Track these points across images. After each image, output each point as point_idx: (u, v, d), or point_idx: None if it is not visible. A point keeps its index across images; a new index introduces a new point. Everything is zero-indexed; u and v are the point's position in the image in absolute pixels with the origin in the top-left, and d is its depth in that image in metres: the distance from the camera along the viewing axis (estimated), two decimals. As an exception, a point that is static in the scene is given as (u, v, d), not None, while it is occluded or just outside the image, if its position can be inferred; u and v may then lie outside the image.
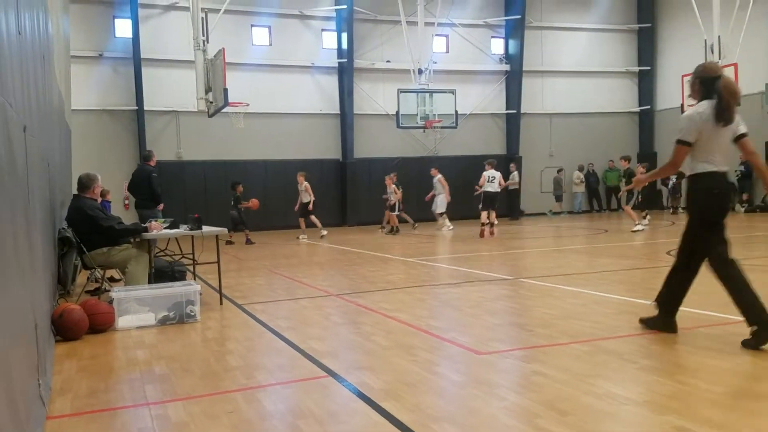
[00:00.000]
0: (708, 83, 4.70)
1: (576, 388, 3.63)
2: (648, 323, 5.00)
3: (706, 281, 7.34)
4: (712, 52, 17.40)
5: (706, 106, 4.64)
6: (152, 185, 10.76)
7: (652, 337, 4.77)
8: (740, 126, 4.74)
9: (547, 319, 5.60)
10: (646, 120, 25.19)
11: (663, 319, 4.89)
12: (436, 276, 8.77)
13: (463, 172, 20.93)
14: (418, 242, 14.66)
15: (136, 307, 5.84)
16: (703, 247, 4.75)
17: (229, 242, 15.19)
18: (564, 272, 8.67)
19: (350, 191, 21.44)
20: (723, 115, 4.59)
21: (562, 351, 4.50)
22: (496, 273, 8.78)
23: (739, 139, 4.73)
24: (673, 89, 22.28)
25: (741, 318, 5.00)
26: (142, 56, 19.01)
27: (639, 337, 4.83)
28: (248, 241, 15.30)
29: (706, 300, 6.09)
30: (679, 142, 4.66)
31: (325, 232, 16.33)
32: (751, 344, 4.29)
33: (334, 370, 4.18)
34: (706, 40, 17.55)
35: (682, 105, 18.57)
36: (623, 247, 11.95)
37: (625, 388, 3.63)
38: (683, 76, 18.62)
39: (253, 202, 15.55)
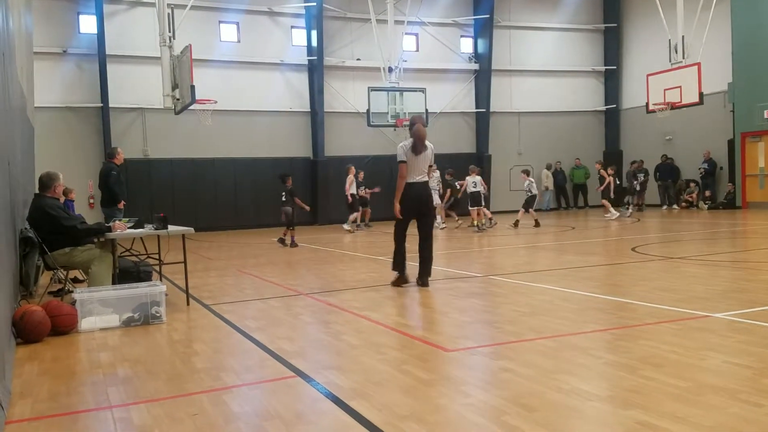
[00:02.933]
0: (410, 128, 7.49)
1: (542, 384, 3.66)
2: (395, 283, 7.50)
3: (664, 277, 7.50)
4: (676, 52, 17.72)
5: (409, 141, 7.35)
6: (109, 183, 10.46)
7: (617, 333, 4.85)
8: (431, 159, 7.48)
9: (515, 315, 5.65)
10: (612, 119, 25.60)
11: (401, 278, 7.52)
12: (406, 274, 8.76)
13: (433, 170, 20.99)
14: (390, 241, 14.67)
15: (99, 308, 5.72)
16: (401, 222, 7.46)
17: (282, 240, 13.71)
18: (532, 269, 8.76)
19: (321, 189, 21.37)
20: (415, 149, 7.28)
21: (529, 347, 4.54)
22: (466, 270, 8.83)
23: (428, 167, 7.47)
24: (638, 88, 22.65)
25: (702, 313, 5.17)
26: (108, 53, 18.67)
27: (604, 332, 4.90)
28: (293, 243, 13.51)
29: (668, 296, 6.22)
30: (399, 161, 7.29)
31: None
32: (393, 284, 7.50)
33: (302, 370, 4.15)
34: (670, 40, 17.87)
35: (647, 104, 18.92)
36: (589, 243, 12.12)
37: (591, 384, 3.68)
38: (648, 76, 19.01)
39: (306, 207, 14.16)
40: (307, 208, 14.23)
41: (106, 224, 6.90)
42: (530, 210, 17.07)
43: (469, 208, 16.52)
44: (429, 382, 3.87)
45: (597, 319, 5.44)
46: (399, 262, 7.56)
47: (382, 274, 8.97)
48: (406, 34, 21.61)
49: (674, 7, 17.61)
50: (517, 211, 17.20)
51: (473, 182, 16.52)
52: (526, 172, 17.55)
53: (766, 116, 19.51)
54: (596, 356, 4.25)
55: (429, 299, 6.74)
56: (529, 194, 16.90)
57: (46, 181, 6.88)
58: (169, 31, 13.76)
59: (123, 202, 10.60)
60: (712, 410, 3.13)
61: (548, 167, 24.47)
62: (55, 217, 6.56)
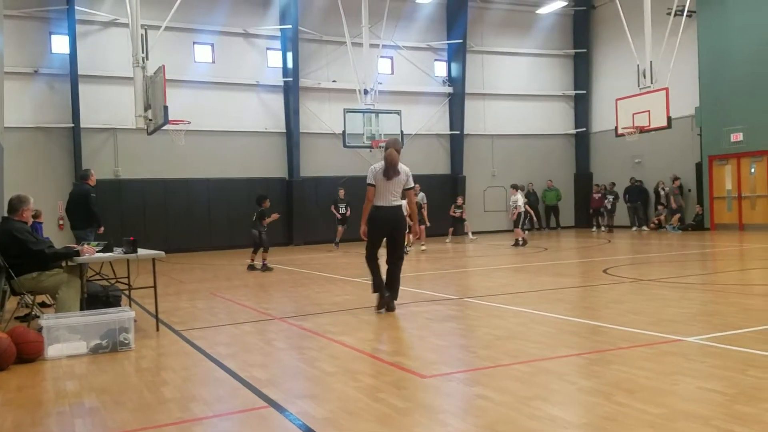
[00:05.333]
0: (385, 150, 7.33)
1: (517, 411, 3.65)
2: (379, 307, 7.34)
3: (636, 299, 7.57)
4: (645, 77, 18.11)
5: (381, 165, 7.27)
6: (90, 206, 10.31)
7: (590, 358, 4.86)
8: (409, 181, 7.37)
9: (490, 340, 5.64)
10: (582, 142, 26.02)
11: (382, 299, 7.33)
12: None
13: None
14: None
15: (66, 335, 5.58)
16: (371, 245, 7.39)
17: (251, 267, 13.12)
18: (506, 291, 8.79)
19: (297, 210, 21.27)
20: (386, 173, 7.20)
21: (504, 372, 4.53)
22: (441, 293, 8.81)
23: (406, 190, 7.40)
24: (607, 112, 23.09)
25: (674, 336, 5.23)
26: (80, 73, 18.47)
27: (578, 357, 4.92)
28: (265, 267, 13.02)
29: (639, 319, 6.27)
30: (368, 184, 7.25)
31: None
32: (378, 308, 7.31)
33: (275, 399, 4.08)
34: (638, 65, 18.28)
35: (616, 128, 19.25)
36: (562, 265, 12.21)
37: (565, 410, 3.67)
38: (617, 100, 19.37)
39: (275, 215, 13.42)
40: (275, 216, 13.44)
41: (74, 248, 6.75)
42: (518, 228, 17.05)
43: None
44: (404, 410, 3.83)
45: (571, 343, 5.45)
46: (377, 285, 7.42)
47: (358, 296, 8.92)
48: (381, 57, 21.79)
49: (642, 33, 18.03)
50: (504, 231, 17.26)
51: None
52: (516, 188, 17.53)
53: (732, 140, 20.00)
54: (570, 382, 4.26)
55: (405, 323, 6.71)
56: (520, 210, 16.94)
57: (16, 204, 6.74)
58: (143, 52, 13.66)
59: (102, 228, 10.47)
60: (686, 437, 3.14)
61: (521, 188, 24.70)
62: (22, 241, 6.40)
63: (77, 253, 6.45)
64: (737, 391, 3.84)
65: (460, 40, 23.46)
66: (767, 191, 19.47)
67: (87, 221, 10.44)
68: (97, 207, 10.47)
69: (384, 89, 21.22)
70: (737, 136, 19.87)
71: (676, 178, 21.76)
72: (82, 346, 5.60)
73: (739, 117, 19.65)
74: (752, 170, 19.95)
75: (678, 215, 21.36)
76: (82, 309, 6.33)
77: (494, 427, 3.40)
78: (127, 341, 5.74)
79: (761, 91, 18.99)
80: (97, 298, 6.84)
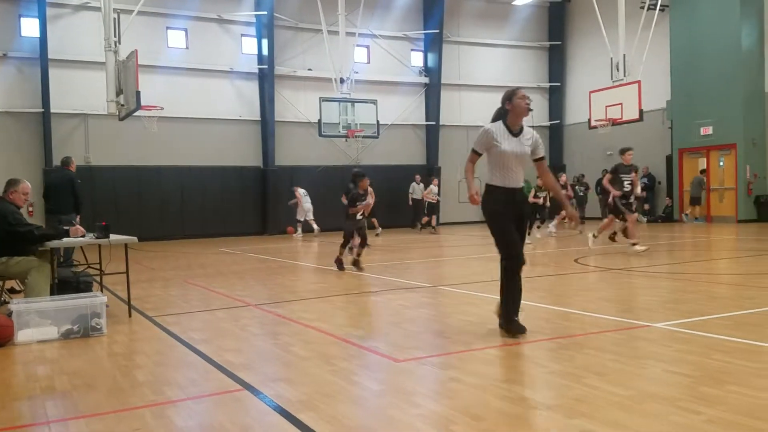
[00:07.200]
0: None
1: (490, 393, 3.70)
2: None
3: (606, 287, 7.72)
4: (618, 70, 18.35)
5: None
6: (76, 191, 10.36)
7: (560, 342, 4.95)
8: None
9: (463, 325, 5.70)
10: (556, 134, 26.28)
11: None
12: (357, 284, 8.76)
13: (384, 181, 21.06)
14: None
15: (37, 320, 5.49)
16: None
17: (356, 263, 10.29)
18: (480, 279, 8.87)
19: (271, 199, 21.16)
20: None
21: (477, 356, 4.59)
22: (415, 281, 8.87)
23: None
24: (580, 105, 23.34)
25: (643, 322, 5.34)
26: (50, 57, 18.12)
27: (548, 341, 5.00)
28: (355, 262, 10.32)
29: (610, 306, 6.40)
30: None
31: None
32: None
33: (249, 382, 4.08)
34: (612, 59, 18.50)
35: (589, 120, 19.51)
36: (533, 254, 12.35)
37: (536, 392, 3.74)
38: (591, 93, 19.61)
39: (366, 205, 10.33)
40: (367, 205, 10.37)
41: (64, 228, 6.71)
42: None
43: None
44: (379, 393, 3.86)
45: (542, 328, 5.53)
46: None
47: (332, 284, 8.94)
48: (358, 45, 21.72)
49: (616, 27, 18.26)
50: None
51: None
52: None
53: (702, 133, 20.38)
54: (541, 365, 4.33)
55: (379, 309, 6.74)
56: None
57: (5, 186, 6.74)
58: (115, 36, 13.42)
59: (79, 216, 10.42)
60: (654, 418, 3.22)
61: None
62: (8, 222, 6.33)
63: (67, 233, 6.40)
64: (703, 374, 3.94)
65: (437, 30, 23.48)
66: (734, 184, 19.90)
67: (74, 206, 10.50)
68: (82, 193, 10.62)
69: (360, 78, 21.18)
70: (707, 130, 20.26)
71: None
72: (53, 331, 5.53)
73: (709, 111, 20.03)
74: (721, 163, 20.37)
75: (698, 206, 20.41)
76: (52, 294, 6.24)
77: (467, 408, 3.44)
78: (99, 326, 5.67)
79: (730, 86, 19.37)
80: (68, 284, 6.74)
